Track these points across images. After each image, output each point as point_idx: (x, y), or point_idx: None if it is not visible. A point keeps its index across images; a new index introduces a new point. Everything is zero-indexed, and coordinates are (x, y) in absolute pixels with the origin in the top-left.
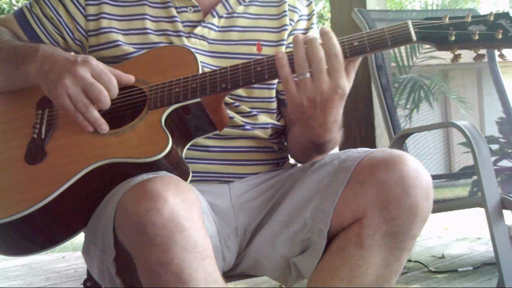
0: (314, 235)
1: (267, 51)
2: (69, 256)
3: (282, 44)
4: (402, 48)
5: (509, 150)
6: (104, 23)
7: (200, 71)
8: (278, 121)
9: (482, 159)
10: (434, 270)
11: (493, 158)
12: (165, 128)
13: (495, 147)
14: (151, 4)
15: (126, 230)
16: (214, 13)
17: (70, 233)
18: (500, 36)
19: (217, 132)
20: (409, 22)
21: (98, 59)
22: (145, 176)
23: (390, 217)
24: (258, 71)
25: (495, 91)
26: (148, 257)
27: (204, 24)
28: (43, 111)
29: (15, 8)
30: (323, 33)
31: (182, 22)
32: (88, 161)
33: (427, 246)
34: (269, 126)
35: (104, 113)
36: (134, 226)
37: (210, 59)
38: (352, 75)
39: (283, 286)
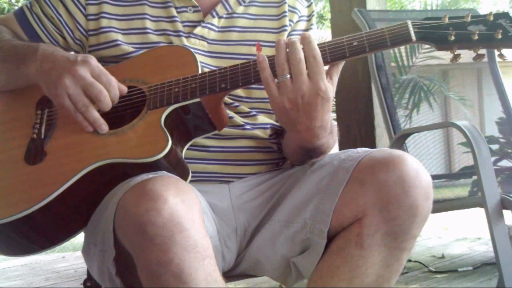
0: (314, 235)
1: (267, 51)
2: (69, 256)
3: None
4: (402, 48)
5: (509, 150)
6: (104, 22)
7: (200, 71)
8: (277, 122)
9: (482, 159)
10: (434, 270)
11: (493, 158)
12: (165, 128)
13: (495, 147)
14: (151, 4)
15: (126, 230)
16: (214, 14)
17: (70, 233)
18: (500, 36)
19: (216, 132)
20: (409, 22)
21: (98, 58)
22: (145, 176)
23: (390, 217)
24: (258, 71)
25: (495, 91)
26: (148, 257)
27: (204, 25)
28: (42, 111)
29: (15, 7)
30: (303, 38)
31: (182, 22)
32: (88, 161)
33: (427, 246)
34: (268, 126)
35: (103, 113)
36: (134, 226)
37: (210, 59)
38: (335, 79)
39: (283, 286)
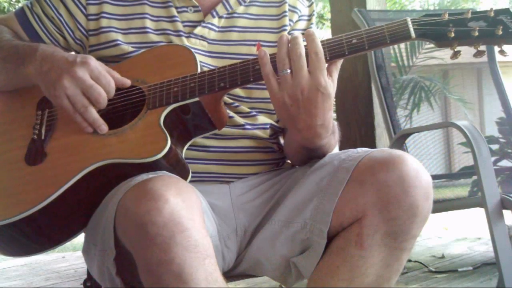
0: (314, 235)
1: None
2: (69, 256)
3: None
4: (403, 48)
5: (509, 150)
6: (104, 22)
7: (199, 71)
8: (277, 123)
9: (482, 159)
10: (434, 270)
11: (493, 158)
12: (164, 128)
13: (495, 147)
14: (151, 4)
15: (126, 230)
16: (214, 13)
17: (70, 234)
18: (501, 32)
19: (216, 131)
20: (408, 19)
21: (98, 58)
22: (145, 176)
23: (390, 217)
24: (257, 70)
25: (495, 91)
26: (148, 257)
27: (204, 24)
28: (43, 111)
29: (16, 6)
30: (307, 35)
31: (182, 22)
32: (88, 162)
33: (427, 246)
34: (268, 126)
35: (103, 113)
36: (135, 226)
37: (210, 59)
38: (335, 76)
39: (283, 286)
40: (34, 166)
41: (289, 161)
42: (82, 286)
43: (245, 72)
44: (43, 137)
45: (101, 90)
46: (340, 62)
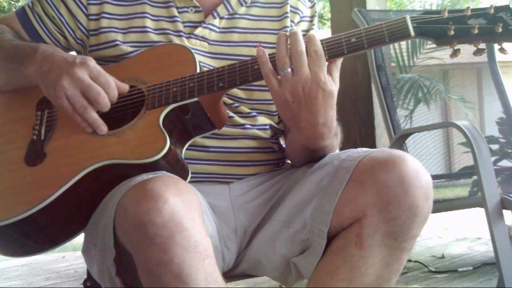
0: (314, 235)
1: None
2: (69, 256)
3: None
4: (404, 48)
5: (509, 150)
6: (105, 22)
7: (198, 70)
8: (277, 124)
9: (482, 159)
10: (434, 270)
11: (493, 158)
12: (163, 128)
13: (495, 147)
14: (151, 3)
15: (126, 230)
16: (215, 14)
17: (70, 234)
18: (500, 30)
19: (216, 131)
20: (407, 17)
21: (98, 58)
22: (145, 176)
23: (390, 217)
24: (256, 69)
25: (495, 91)
26: (148, 257)
27: (204, 25)
28: (42, 112)
29: (16, 6)
30: (308, 37)
31: (183, 22)
32: (88, 162)
33: (427, 246)
34: (268, 127)
35: (102, 113)
36: (135, 226)
37: (211, 60)
38: (335, 75)
39: (283, 286)
40: (34, 167)
41: (289, 161)
42: (82, 286)
43: (244, 72)
44: (42, 138)
45: (100, 90)
46: (340, 61)
